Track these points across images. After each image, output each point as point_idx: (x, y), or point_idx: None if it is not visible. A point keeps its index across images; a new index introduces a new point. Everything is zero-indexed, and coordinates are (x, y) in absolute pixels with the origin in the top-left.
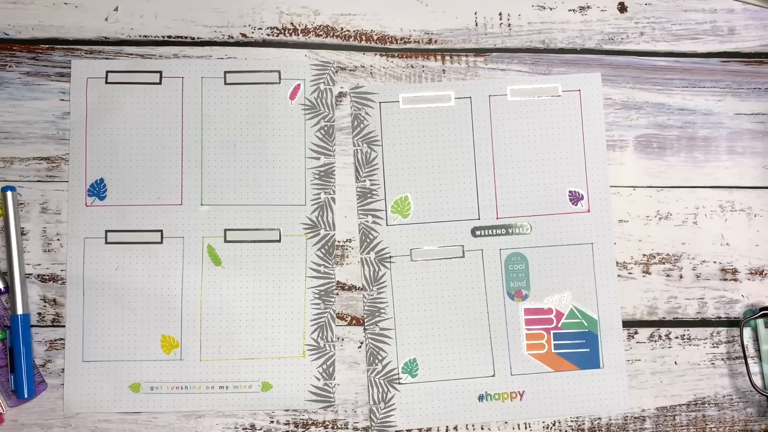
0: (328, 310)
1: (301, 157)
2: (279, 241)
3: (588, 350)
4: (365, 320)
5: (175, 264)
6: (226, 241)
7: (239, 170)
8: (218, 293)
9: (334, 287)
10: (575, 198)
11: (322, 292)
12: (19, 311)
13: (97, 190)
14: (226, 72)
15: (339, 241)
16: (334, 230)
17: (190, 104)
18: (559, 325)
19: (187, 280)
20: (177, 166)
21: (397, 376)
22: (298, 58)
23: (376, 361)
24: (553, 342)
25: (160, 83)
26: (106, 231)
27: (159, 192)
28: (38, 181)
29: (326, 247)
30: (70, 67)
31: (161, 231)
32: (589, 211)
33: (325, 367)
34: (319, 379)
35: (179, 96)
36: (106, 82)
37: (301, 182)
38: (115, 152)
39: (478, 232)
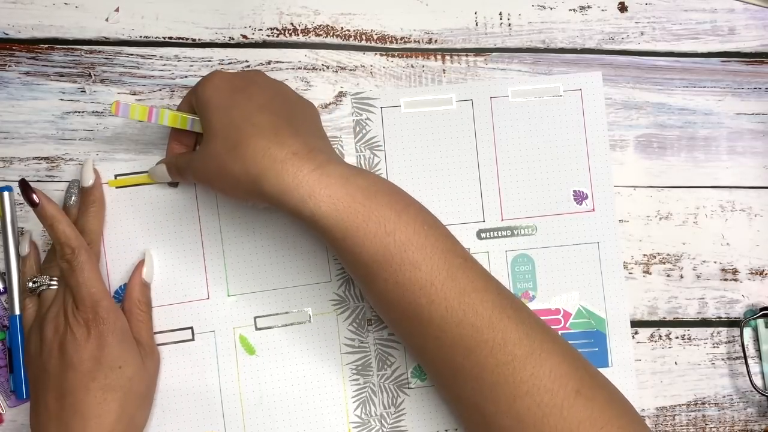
0: (368, 384)
1: None
2: (310, 321)
3: (597, 349)
4: (373, 325)
5: (209, 359)
6: (257, 329)
7: (261, 256)
8: (256, 382)
9: (372, 360)
10: (580, 197)
11: (360, 367)
12: (18, 312)
13: None
14: None
15: None
16: (363, 302)
17: None
18: (567, 326)
19: (224, 373)
20: (200, 260)
21: (406, 381)
22: (298, 58)
23: (385, 366)
24: None
25: None
26: None
27: (185, 289)
28: (38, 181)
29: (358, 320)
30: (70, 67)
31: (191, 327)
32: (594, 210)
33: None
34: None
35: None
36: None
37: (324, 258)
38: None
39: (483, 235)
